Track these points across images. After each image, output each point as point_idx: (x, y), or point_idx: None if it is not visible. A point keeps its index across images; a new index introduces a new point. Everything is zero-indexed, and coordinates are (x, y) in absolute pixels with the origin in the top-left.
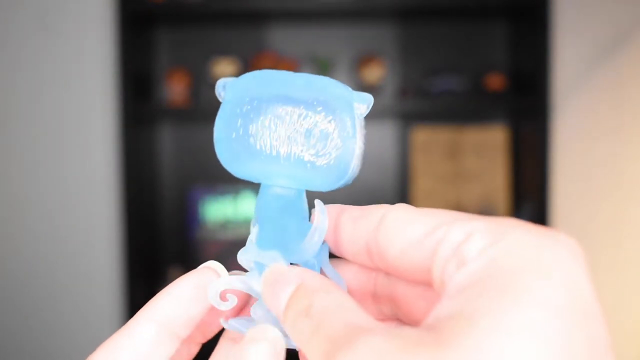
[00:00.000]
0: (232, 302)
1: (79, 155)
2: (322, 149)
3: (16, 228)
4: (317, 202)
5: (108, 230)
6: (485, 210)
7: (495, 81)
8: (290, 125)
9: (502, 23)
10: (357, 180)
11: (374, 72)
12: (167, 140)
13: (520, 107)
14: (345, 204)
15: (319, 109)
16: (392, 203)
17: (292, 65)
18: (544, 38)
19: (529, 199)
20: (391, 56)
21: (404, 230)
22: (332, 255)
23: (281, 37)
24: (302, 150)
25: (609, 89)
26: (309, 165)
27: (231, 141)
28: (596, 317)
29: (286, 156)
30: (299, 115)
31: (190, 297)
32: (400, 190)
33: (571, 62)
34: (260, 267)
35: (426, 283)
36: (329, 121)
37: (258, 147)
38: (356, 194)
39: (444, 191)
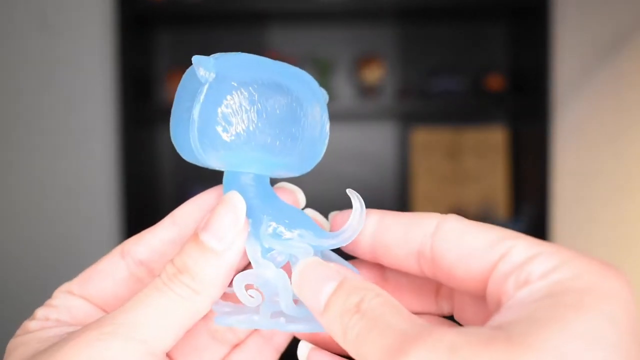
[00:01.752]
0: (258, 299)
1: (79, 155)
2: (300, 135)
3: (16, 230)
4: (353, 193)
5: (108, 230)
6: (485, 210)
7: (495, 81)
8: (275, 112)
9: (502, 23)
10: (357, 180)
11: (374, 73)
12: (167, 140)
13: (520, 108)
14: (345, 203)
15: (302, 96)
16: (393, 204)
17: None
18: (544, 38)
19: (529, 199)
20: (391, 57)
21: (462, 240)
22: (348, 257)
23: (281, 37)
24: (282, 136)
25: (609, 89)
26: (286, 150)
27: (214, 128)
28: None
29: (269, 142)
30: (286, 103)
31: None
32: (400, 191)
33: (571, 62)
34: (273, 258)
35: (475, 292)
36: (308, 108)
37: (240, 133)
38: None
39: (444, 192)
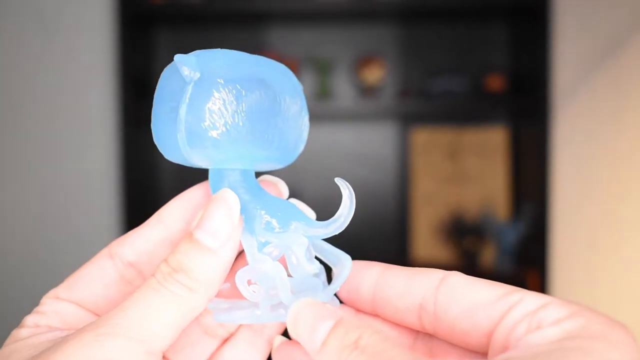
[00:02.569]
0: (260, 294)
1: (79, 155)
2: (285, 127)
3: (15, 230)
4: (341, 181)
5: (108, 230)
6: (485, 210)
7: (495, 82)
8: (260, 107)
9: (502, 23)
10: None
11: (374, 73)
12: None
13: (520, 108)
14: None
15: (283, 89)
16: (393, 204)
17: (292, 65)
18: (544, 38)
19: (529, 199)
20: (391, 57)
21: (468, 293)
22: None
23: (281, 37)
24: (268, 130)
25: (609, 90)
26: (272, 144)
27: (203, 126)
28: None
29: (257, 137)
30: (269, 97)
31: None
32: (400, 191)
33: (571, 63)
34: (269, 252)
35: (477, 346)
36: (290, 100)
37: (228, 130)
38: (356, 194)
39: (444, 192)
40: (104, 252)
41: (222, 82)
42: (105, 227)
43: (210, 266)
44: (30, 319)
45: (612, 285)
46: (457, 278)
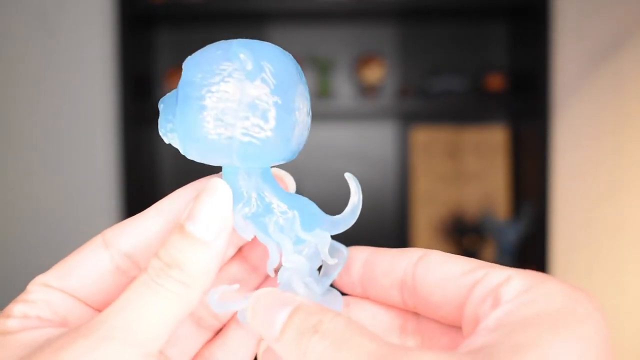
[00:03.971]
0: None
1: (79, 155)
2: (299, 120)
3: (15, 230)
4: (350, 177)
5: None
6: (485, 210)
7: (495, 81)
8: (289, 102)
9: (502, 22)
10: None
11: (374, 72)
12: None
13: (520, 107)
14: (346, 203)
15: (300, 81)
16: (393, 204)
17: None
18: (544, 38)
19: (529, 199)
20: (391, 56)
21: (442, 267)
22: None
23: (281, 37)
24: (291, 128)
25: (609, 89)
26: (292, 138)
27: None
28: (614, 357)
29: (287, 133)
30: (297, 95)
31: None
32: (400, 191)
33: (571, 62)
34: (300, 250)
35: (451, 318)
36: (306, 100)
37: (276, 125)
38: None
39: (444, 191)
40: (98, 240)
41: (267, 76)
42: (105, 227)
43: (205, 260)
44: (17, 309)
45: (612, 285)
46: (435, 255)
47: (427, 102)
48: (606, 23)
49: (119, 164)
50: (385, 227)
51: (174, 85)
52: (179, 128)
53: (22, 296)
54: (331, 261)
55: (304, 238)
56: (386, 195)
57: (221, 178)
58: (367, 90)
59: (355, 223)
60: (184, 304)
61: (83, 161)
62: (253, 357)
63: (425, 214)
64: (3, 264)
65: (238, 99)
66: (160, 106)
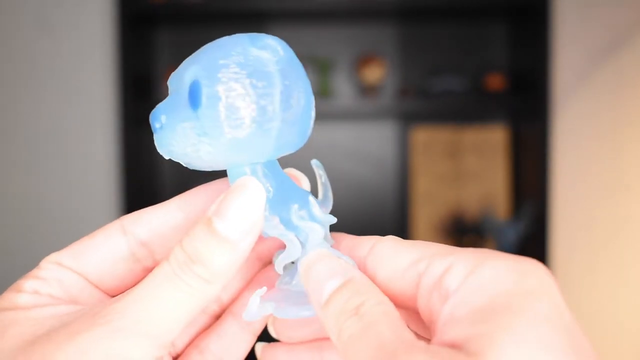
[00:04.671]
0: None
1: (79, 155)
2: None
3: (15, 229)
4: (315, 163)
5: None
6: (485, 209)
7: (495, 81)
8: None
9: (502, 22)
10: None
11: (374, 72)
12: None
13: (520, 107)
14: (346, 202)
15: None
16: (392, 204)
17: None
18: (544, 38)
19: (529, 199)
20: (391, 56)
21: (389, 260)
22: None
23: (281, 37)
24: (308, 119)
25: (609, 89)
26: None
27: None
28: (578, 328)
29: (302, 125)
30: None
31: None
32: (400, 190)
33: (571, 62)
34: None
35: (412, 309)
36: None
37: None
38: (356, 193)
39: (444, 191)
40: (116, 226)
41: (296, 66)
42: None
43: (229, 259)
44: (29, 284)
45: (613, 285)
46: (386, 244)
47: (427, 102)
48: (606, 23)
49: (119, 164)
50: (385, 227)
51: None
52: (212, 131)
53: (34, 272)
54: (331, 242)
55: (324, 221)
56: (386, 195)
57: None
58: (367, 90)
59: (356, 223)
60: (201, 300)
61: (83, 161)
62: (247, 353)
63: (425, 213)
64: (3, 264)
65: (279, 90)
66: (162, 119)
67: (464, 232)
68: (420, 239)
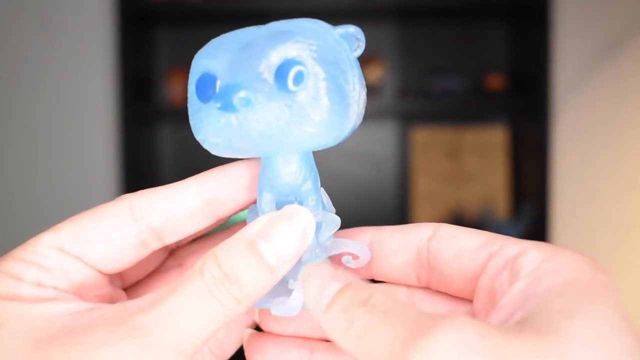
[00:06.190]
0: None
1: (78, 155)
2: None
3: (15, 229)
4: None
5: None
6: (485, 209)
7: (495, 81)
8: None
9: (502, 23)
10: (357, 180)
11: (374, 72)
12: (167, 140)
13: (520, 107)
14: (346, 203)
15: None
16: (393, 204)
17: None
18: (544, 38)
19: (529, 199)
20: (391, 56)
21: (456, 240)
22: None
23: None
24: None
25: (609, 89)
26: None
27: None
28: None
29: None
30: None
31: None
32: (400, 191)
33: (571, 62)
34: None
35: (463, 291)
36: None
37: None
38: (356, 193)
39: (444, 191)
40: (124, 209)
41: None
42: None
43: (265, 284)
44: (31, 274)
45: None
46: (447, 228)
47: (427, 102)
48: (606, 23)
49: (119, 164)
50: None
51: (174, 84)
52: (305, 111)
53: (35, 258)
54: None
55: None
56: (386, 195)
57: (243, 167)
58: (367, 90)
59: (356, 223)
60: (229, 318)
61: (83, 161)
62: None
63: (425, 213)
64: None
65: (359, 78)
66: (243, 95)
67: None
68: None
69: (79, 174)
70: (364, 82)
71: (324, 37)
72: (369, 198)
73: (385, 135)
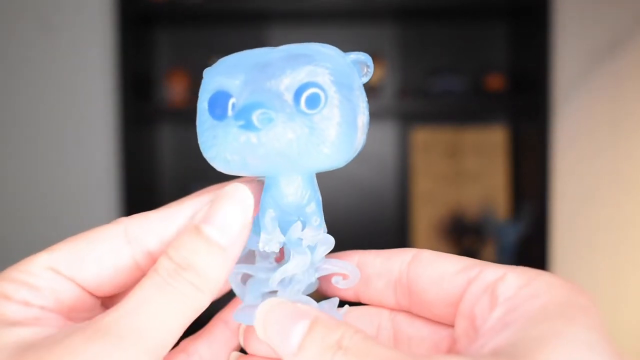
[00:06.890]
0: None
1: (78, 155)
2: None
3: (15, 229)
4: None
5: None
6: (485, 209)
7: (495, 81)
8: None
9: (502, 23)
10: (356, 180)
11: (374, 73)
12: (167, 140)
13: (520, 107)
14: (346, 203)
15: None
16: (393, 204)
17: None
18: (544, 38)
19: (529, 199)
20: (391, 56)
21: (436, 266)
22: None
23: (281, 37)
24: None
25: (609, 89)
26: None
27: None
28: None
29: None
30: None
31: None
32: (400, 191)
33: (571, 62)
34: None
35: (444, 316)
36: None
37: None
38: (356, 194)
39: (444, 191)
40: (118, 231)
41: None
42: None
43: (220, 265)
44: (20, 293)
45: (613, 285)
46: (427, 253)
47: (427, 102)
48: (606, 23)
49: (119, 164)
50: (385, 227)
51: (174, 84)
52: (322, 133)
53: (26, 277)
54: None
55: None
56: (386, 195)
57: (237, 184)
58: (367, 91)
59: (356, 223)
60: (194, 308)
61: (83, 161)
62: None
63: (425, 213)
64: (3, 264)
65: (366, 104)
66: (263, 114)
67: (463, 232)
68: (421, 239)
69: (78, 173)
70: (368, 107)
71: (338, 61)
72: (369, 198)
73: (385, 135)
